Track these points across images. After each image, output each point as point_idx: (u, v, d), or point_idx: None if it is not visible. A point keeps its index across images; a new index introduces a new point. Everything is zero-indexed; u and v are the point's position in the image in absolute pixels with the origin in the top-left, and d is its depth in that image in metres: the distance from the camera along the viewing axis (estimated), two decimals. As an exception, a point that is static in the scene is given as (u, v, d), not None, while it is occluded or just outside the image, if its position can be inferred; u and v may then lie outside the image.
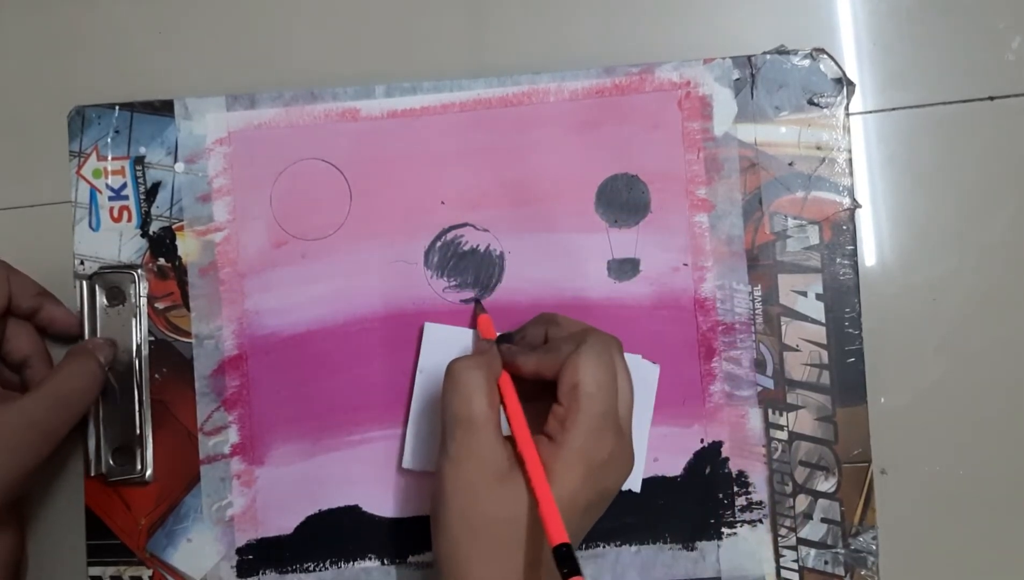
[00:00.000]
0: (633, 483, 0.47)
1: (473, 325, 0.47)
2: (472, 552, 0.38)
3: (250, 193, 0.48)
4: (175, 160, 0.48)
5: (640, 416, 0.46)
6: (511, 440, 0.39)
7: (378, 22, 0.50)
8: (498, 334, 0.45)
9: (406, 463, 0.47)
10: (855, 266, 0.47)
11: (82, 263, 0.48)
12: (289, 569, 0.47)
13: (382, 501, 0.47)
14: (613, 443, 0.39)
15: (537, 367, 0.41)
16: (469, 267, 0.48)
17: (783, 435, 0.47)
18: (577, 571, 0.35)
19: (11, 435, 0.41)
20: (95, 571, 0.47)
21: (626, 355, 0.42)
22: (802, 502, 0.47)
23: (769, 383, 0.47)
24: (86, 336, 0.47)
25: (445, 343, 0.46)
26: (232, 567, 0.47)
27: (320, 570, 0.47)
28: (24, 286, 0.46)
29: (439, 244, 0.48)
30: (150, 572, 0.47)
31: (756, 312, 0.47)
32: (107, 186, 0.48)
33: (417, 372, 0.47)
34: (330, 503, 0.47)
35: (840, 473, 0.47)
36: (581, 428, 0.38)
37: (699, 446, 0.47)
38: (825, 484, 0.47)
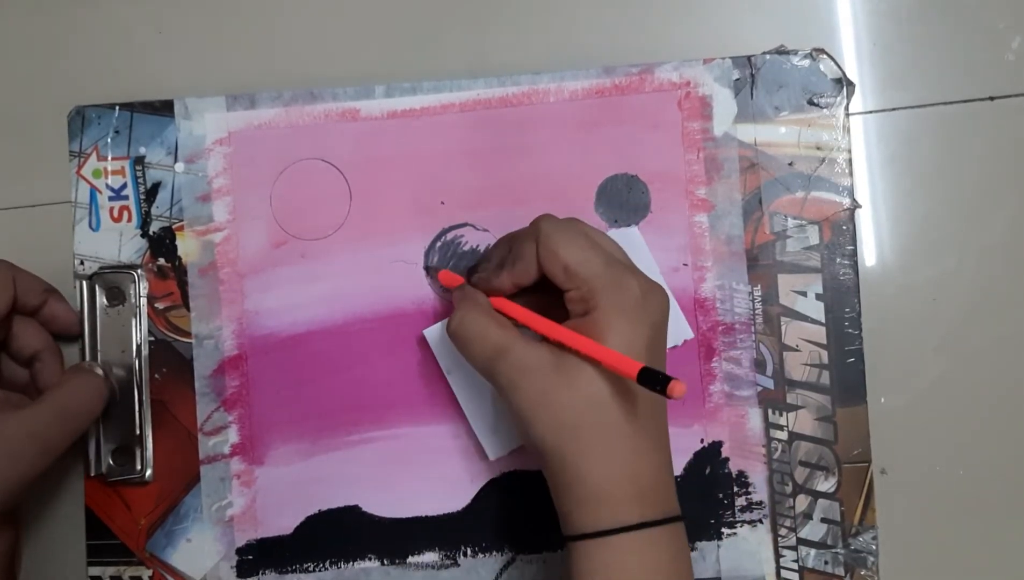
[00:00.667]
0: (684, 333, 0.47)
1: (443, 290, 0.47)
2: (581, 448, 0.38)
3: (250, 193, 0.48)
4: (175, 160, 0.48)
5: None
6: (545, 341, 0.40)
7: (378, 22, 0.50)
8: (465, 271, 0.45)
9: (493, 454, 0.47)
10: (855, 266, 0.47)
11: (82, 263, 0.48)
12: (289, 569, 0.47)
13: (382, 501, 0.47)
14: (633, 280, 0.39)
15: (512, 279, 0.41)
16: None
17: (783, 435, 0.47)
18: (669, 378, 0.35)
19: (11, 444, 0.41)
20: (95, 571, 0.47)
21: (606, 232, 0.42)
22: (802, 502, 0.47)
23: (769, 383, 0.47)
24: (86, 336, 0.47)
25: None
26: (232, 567, 0.47)
27: (320, 570, 0.47)
28: (30, 284, 0.46)
29: (439, 244, 0.48)
30: (150, 572, 0.47)
31: (756, 312, 0.47)
32: (107, 186, 0.48)
33: (445, 374, 0.47)
34: (330, 503, 0.47)
35: (840, 473, 0.47)
36: (599, 289, 0.39)
37: (699, 446, 0.47)
38: (825, 484, 0.47)
